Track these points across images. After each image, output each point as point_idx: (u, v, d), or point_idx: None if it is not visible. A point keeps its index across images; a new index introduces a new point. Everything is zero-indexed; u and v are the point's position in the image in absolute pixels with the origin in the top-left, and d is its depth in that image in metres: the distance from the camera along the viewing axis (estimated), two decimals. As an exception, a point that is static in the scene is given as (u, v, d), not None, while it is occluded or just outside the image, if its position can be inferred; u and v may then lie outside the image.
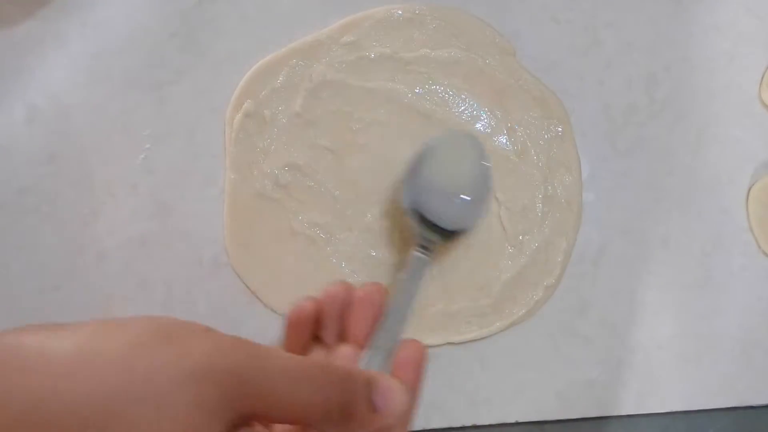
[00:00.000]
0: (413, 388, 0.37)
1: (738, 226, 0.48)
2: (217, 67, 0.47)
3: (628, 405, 0.46)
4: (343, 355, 0.38)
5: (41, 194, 0.46)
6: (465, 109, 0.48)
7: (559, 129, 0.48)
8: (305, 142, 0.47)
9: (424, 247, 0.43)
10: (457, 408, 0.45)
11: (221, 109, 0.47)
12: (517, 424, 0.45)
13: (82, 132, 0.46)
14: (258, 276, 0.46)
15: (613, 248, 0.47)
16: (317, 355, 0.39)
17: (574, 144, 0.48)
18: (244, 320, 0.45)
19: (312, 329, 0.39)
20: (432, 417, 0.45)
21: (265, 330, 0.45)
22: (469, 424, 0.45)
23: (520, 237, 0.47)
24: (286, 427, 0.34)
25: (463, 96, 0.48)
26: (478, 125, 0.47)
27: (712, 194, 0.48)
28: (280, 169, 0.46)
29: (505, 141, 0.47)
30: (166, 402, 0.26)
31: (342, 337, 0.39)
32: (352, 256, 0.46)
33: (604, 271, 0.47)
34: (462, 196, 0.44)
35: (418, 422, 0.45)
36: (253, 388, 0.28)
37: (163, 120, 0.47)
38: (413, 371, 0.37)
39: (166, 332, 0.28)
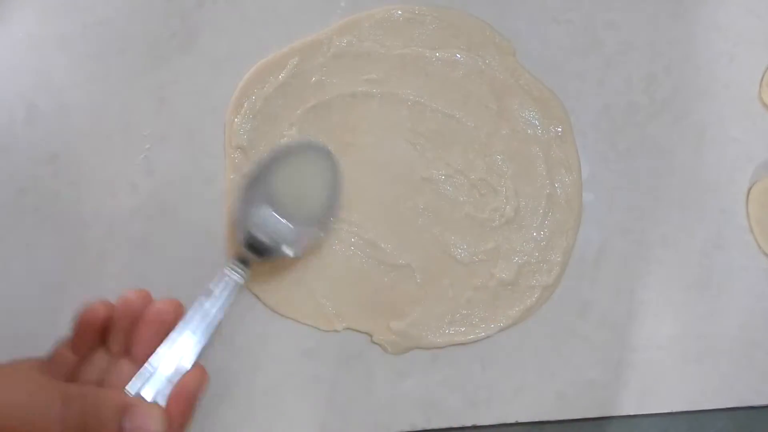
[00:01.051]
0: (179, 418, 0.37)
1: (738, 226, 0.48)
2: (217, 67, 0.47)
3: (629, 405, 0.46)
4: (121, 371, 0.38)
5: (41, 194, 0.46)
6: (464, 110, 0.48)
7: (559, 129, 0.48)
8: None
9: (242, 262, 0.41)
10: (457, 408, 0.45)
11: (221, 109, 0.47)
12: (517, 424, 0.45)
13: (82, 132, 0.46)
14: (258, 276, 0.46)
15: (613, 248, 0.47)
16: (99, 360, 0.39)
17: (574, 144, 0.48)
18: (244, 320, 0.45)
19: (100, 333, 0.39)
20: (432, 417, 0.45)
21: (265, 330, 0.45)
22: (469, 424, 0.45)
23: (520, 236, 0.47)
24: None
25: (462, 97, 0.48)
26: (475, 123, 0.47)
27: (712, 194, 0.48)
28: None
29: (503, 141, 0.48)
30: None
31: (127, 348, 0.39)
32: (352, 255, 0.46)
33: (604, 271, 0.47)
34: (299, 224, 0.41)
35: (418, 422, 0.45)
36: None
37: (163, 120, 0.47)
38: (183, 400, 0.37)
39: None
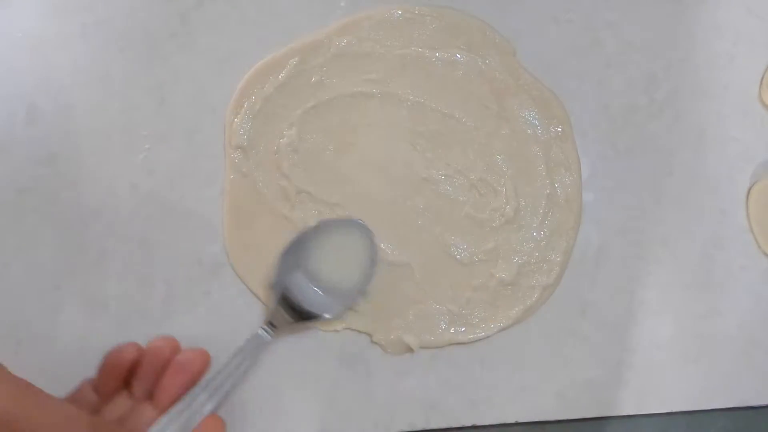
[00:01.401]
0: None
1: (738, 226, 0.48)
2: (217, 67, 0.47)
3: (628, 405, 0.46)
4: (142, 415, 0.39)
5: (41, 194, 0.46)
6: (464, 110, 0.48)
7: (559, 129, 0.48)
8: (303, 141, 0.47)
9: (272, 325, 0.43)
10: (457, 408, 0.45)
11: (221, 109, 0.47)
12: (517, 424, 0.45)
13: (82, 132, 0.46)
14: (258, 276, 0.46)
15: (613, 248, 0.47)
16: (122, 403, 0.40)
17: (574, 144, 0.48)
18: (243, 320, 0.45)
19: (125, 376, 0.40)
20: (432, 417, 0.45)
21: (265, 330, 0.45)
22: (469, 424, 0.45)
23: (520, 236, 0.47)
24: None
25: (461, 97, 0.48)
26: (475, 123, 0.47)
27: (712, 194, 0.48)
28: (281, 169, 0.46)
29: (502, 140, 0.48)
30: None
31: (151, 393, 0.40)
32: (352, 256, 0.46)
33: (604, 271, 0.47)
34: (333, 292, 0.44)
35: (418, 422, 0.45)
36: (17, 429, 0.31)
37: (163, 120, 0.47)
38: None
39: None
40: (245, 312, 0.45)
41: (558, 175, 0.48)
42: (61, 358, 0.44)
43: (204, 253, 0.46)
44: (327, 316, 0.44)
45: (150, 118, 0.47)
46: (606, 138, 0.49)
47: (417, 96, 0.48)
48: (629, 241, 0.47)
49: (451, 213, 0.47)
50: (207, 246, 0.46)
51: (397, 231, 0.46)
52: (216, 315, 0.45)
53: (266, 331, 0.43)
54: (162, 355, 0.40)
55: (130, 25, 0.47)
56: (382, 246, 0.46)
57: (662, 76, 0.49)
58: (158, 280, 0.45)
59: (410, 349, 0.45)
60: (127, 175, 0.46)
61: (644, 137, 0.49)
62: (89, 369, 0.43)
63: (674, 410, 0.46)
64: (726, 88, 0.50)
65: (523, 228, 0.47)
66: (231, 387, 0.41)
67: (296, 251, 0.44)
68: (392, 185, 0.47)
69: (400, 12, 0.48)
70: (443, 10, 0.49)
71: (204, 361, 0.41)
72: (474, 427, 0.45)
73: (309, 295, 0.44)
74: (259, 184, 0.46)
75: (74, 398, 0.40)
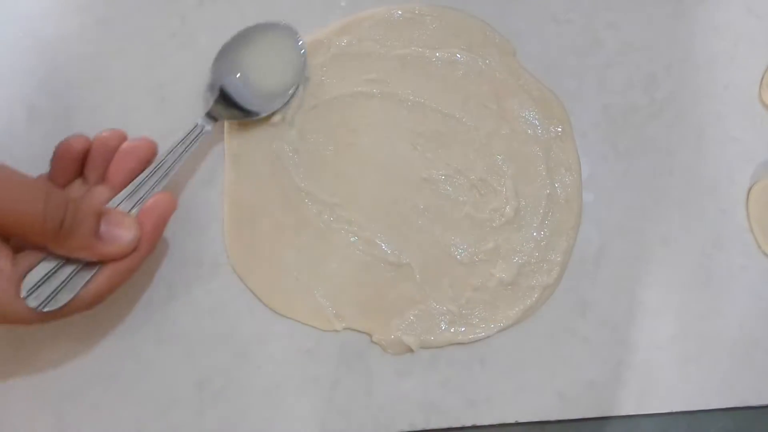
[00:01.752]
0: (150, 232, 0.40)
1: (738, 226, 0.48)
2: (217, 67, 0.47)
3: (629, 405, 0.46)
4: (97, 193, 0.41)
5: (41, 194, 0.46)
6: (464, 110, 0.48)
7: (559, 129, 0.48)
8: (304, 141, 0.47)
9: (211, 117, 0.45)
10: (457, 408, 0.45)
11: (221, 109, 0.47)
12: (517, 424, 0.45)
13: (82, 132, 0.46)
14: (258, 276, 0.46)
15: (613, 248, 0.47)
16: (77, 188, 0.42)
17: (574, 144, 0.48)
18: (244, 320, 0.45)
19: (77, 166, 0.42)
20: (432, 417, 0.45)
21: (265, 330, 0.45)
22: (469, 424, 0.45)
23: (520, 236, 0.47)
24: None
25: (461, 96, 0.48)
26: (475, 123, 0.47)
27: (712, 194, 0.48)
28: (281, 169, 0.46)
29: (504, 141, 0.48)
30: None
31: (104, 179, 0.42)
32: (352, 255, 0.46)
33: (604, 271, 0.47)
34: (266, 92, 0.47)
35: (418, 422, 0.45)
36: None
37: (163, 120, 0.47)
38: (154, 217, 0.41)
39: None
40: (245, 312, 0.45)
41: (558, 175, 0.48)
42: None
43: (204, 253, 0.46)
44: (262, 114, 0.46)
45: (150, 118, 0.47)
46: (606, 138, 0.49)
47: (417, 96, 0.48)
48: (629, 241, 0.47)
49: (451, 213, 0.47)
50: (207, 246, 0.46)
51: (397, 231, 0.46)
52: (216, 315, 0.45)
53: (207, 123, 0.44)
54: (110, 143, 0.42)
55: (130, 25, 0.48)
56: (382, 246, 0.46)
57: (662, 76, 0.49)
58: (158, 281, 0.45)
59: (410, 349, 0.45)
60: (127, 175, 0.46)
61: (644, 137, 0.49)
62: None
63: (674, 410, 0.46)
64: (726, 88, 0.50)
65: (523, 228, 0.47)
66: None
67: (229, 54, 0.47)
68: (392, 185, 0.47)
69: (400, 12, 0.48)
70: (443, 10, 0.49)
71: (149, 147, 0.43)
72: (474, 427, 0.45)
73: (244, 95, 0.46)
74: (259, 184, 0.46)
75: None
